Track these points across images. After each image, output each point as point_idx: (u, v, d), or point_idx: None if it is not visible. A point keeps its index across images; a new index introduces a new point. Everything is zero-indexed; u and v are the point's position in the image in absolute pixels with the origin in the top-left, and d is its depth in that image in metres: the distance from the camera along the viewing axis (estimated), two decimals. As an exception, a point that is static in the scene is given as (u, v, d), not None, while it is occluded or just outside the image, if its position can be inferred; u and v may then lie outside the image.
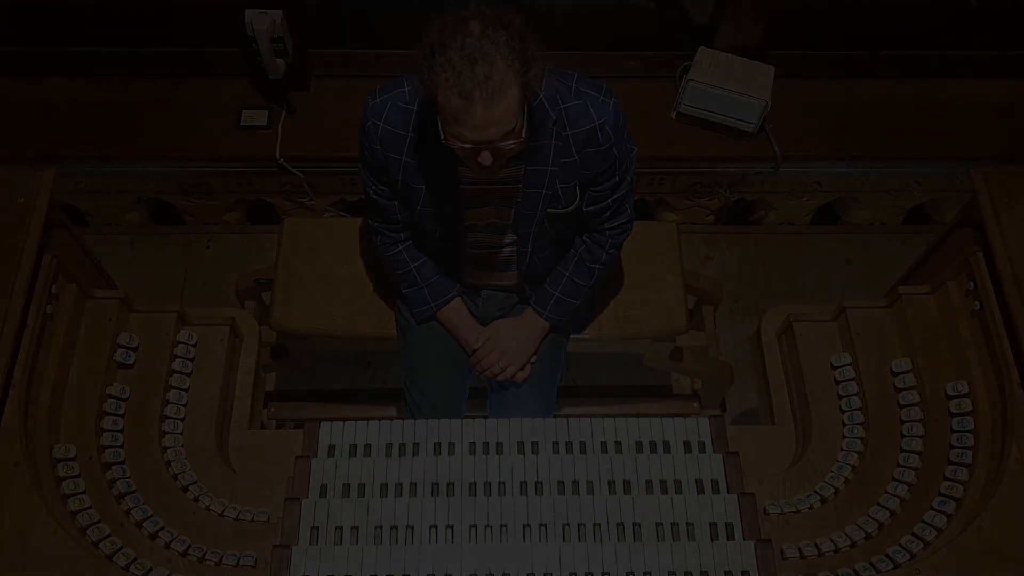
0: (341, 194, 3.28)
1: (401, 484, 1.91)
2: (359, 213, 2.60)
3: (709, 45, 3.11)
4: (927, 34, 3.26)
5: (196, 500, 1.90)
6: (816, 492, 1.93)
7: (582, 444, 1.98)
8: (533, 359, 2.25)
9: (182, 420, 2.03)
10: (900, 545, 1.78)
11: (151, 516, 1.83)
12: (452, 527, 1.82)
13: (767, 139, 3.13)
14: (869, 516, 1.86)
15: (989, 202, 2.02)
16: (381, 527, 1.82)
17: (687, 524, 1.83)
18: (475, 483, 1.91)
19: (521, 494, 1.89)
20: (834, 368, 2.11)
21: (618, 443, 1.98)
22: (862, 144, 3.18)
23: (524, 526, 1.82)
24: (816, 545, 1.82)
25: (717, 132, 3.13)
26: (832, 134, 3.18)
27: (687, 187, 3.30)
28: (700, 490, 1.91)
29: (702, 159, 3.16)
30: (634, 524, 1.82)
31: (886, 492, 1.90)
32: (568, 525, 1.83)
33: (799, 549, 1.81)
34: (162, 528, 1.82)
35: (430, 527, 1.82)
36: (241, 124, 3.10)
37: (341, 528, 1.82)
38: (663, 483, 1.91)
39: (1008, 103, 3.23)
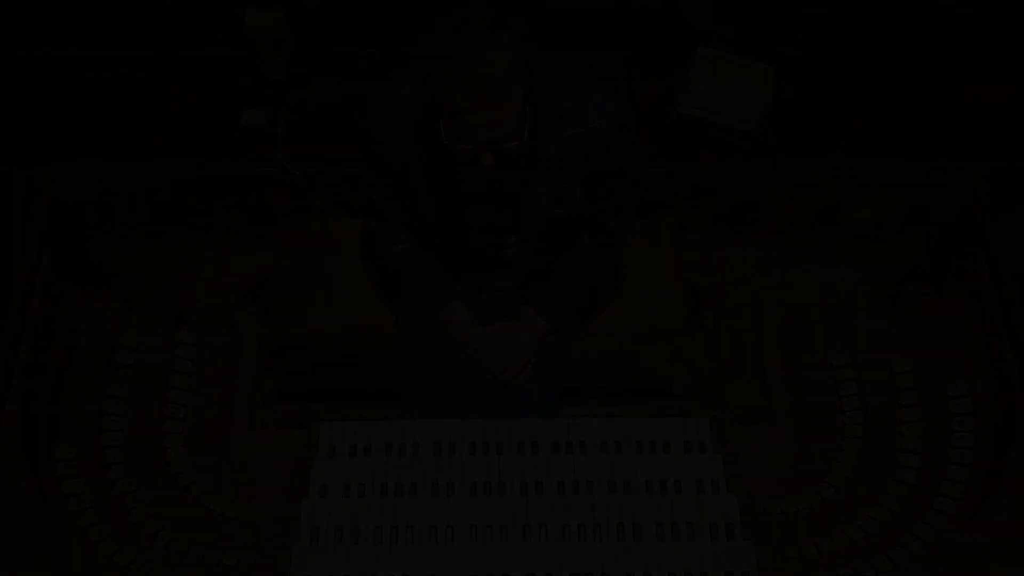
0: (341, 194, 3.28)
1: (401, 484, 1.91)
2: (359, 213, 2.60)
3: (709, 45, 3.11)
4: (926, 34, 3.26)
5: (196, 500, 1.90)
6: (816, 492, 1.93)
7: (582, 444, 1.97)
8: (533, 359, 2.25)
9: (182, 420, 2.04)
10: (900, 545, 1.78)
11: (151, 516, 1.83)
12: (452, 527, 1.82)
13: (767, 139, 3.13)
14: (869, 516, 1.86)
15: (989, 202, 2.03)
16: (381, 527, 1.82)
17: (687, 524, 1.83)
18: (475, 483, 1.91)
19: (521, 494, 1.89)
20: (834, 368, 2.11)
21: (618, 443, 1.97)
22: (862, 144, 3.18)
23: (524, 526, 1.82)
24: (816, 545, 1.82)
25: (717, 132, 3.12)
26: (832, 134, 3.18)
27: (687, 187, 3.29)
28: (700, 490, 1.90)
29: (702, 159, 3.16)
30: (634, 524, 1.82)
31: (886, 492, 1.90)
32: (568, 525, 1.82)
33: (799, 549, 1.81)
34: (162, 528, 1.82)
35: (430, 527, 1.82)
36: (241, 124, 3.10)
37: (341, 528, 1.82)
38: (663, 483, 1.91)
39: (1008, 103, 3.23)
